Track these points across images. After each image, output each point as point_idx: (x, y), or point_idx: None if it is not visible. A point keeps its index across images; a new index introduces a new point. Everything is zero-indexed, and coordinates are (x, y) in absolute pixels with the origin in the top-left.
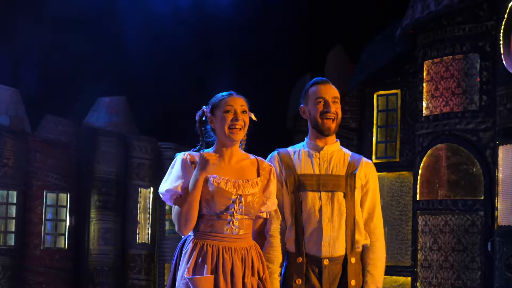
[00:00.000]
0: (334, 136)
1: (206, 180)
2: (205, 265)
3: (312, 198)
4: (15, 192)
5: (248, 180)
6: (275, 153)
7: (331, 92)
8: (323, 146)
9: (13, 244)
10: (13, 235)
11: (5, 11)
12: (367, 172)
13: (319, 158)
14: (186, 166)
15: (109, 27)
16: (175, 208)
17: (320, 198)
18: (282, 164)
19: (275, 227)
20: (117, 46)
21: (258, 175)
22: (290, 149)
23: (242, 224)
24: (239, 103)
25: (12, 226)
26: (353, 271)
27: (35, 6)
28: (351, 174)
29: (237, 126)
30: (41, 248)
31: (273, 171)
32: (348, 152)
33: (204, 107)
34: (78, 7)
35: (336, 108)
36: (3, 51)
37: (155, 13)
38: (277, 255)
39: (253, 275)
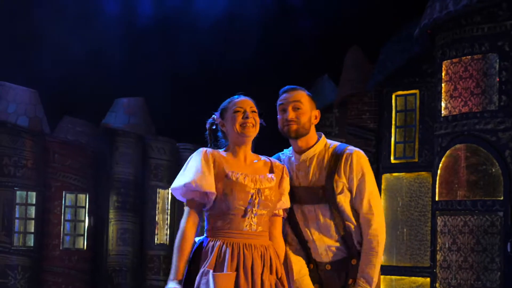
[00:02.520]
0: (312, 136)
1: (224, 175)
2: (226, 263)
3: (299, 211)
4: (34, 193)
5: (264, 176)
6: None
7: (288, 98)
8: (300, 154)
9: (32, 244)
10: (32, 235)
11: (24, 13)
12: (349, 166)
13: (298, 170)
14: (206, 160)
15: (128, 28)
16: (185, 213)
17: (304, 211)
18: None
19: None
20: (135, 47)
21: (272, 172)
22: (282, 155)
23: (260, 220)
24: (248, 103)
25: (31, 227)
26: (352, 271)
27: (54, 7)
28: (329, 182)
29: (248, 124)
30: (60, 248)
31: (285, 169)
32: (331, 146)
33: (214, 113)
34: (97, 9)
35: (297, 114)
36: (22, 53)
37: (173, 13)
38: (302, 254)
39: (271, 273)
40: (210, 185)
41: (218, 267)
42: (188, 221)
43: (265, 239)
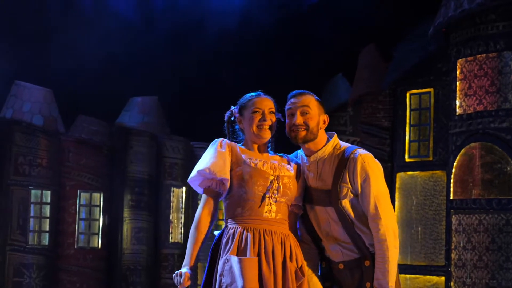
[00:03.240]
0: (321, 139)
1: (242, 163)
2: (248, 248)
3: (311, 211)
4: (49, 192)
5: (283, 164)
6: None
7: (299, 103)
8: (309, 155)
9: (47, 243)
10: (47, 234)
11: (38, 12)
12: (350, 171)
13: (309, 171)
14: (219, 149)
15: (141, 27)
16: (201, 201)
17: (315, 211)
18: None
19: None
20: (149, 45)
21: (291, 166)
22: (301, 153)
23: (280, 207)
24: (267, 103)
25: (46, 226)
26: (367, 273)
27: (68, 7)
28: (335, 186)
29: (264, 126)
30: (75, 247)
31: (300, 168)
32: (341, 148)
33: (233, 107)
34: (109, 8)
35: (305, 119)
36: (37, 52)
37: (187, 13)
38: (313, 252)
39: (291, 261)
40: (224, 172)
41: (240, 253)
42: (203, 210)
43: (285, 227)
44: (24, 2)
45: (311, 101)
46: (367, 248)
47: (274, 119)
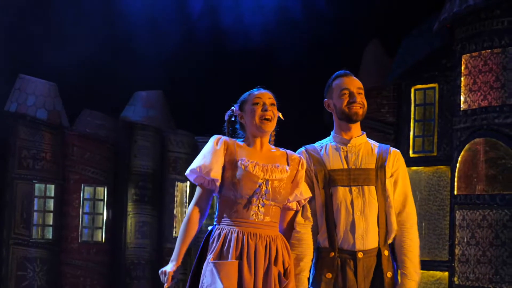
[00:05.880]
0: (359, 128)
1: (235, 163)
2: (230, 251)
3: (343, 193)
4: (53, 186)
5: (277, 166)
6: (302, 149)
7: (355, 83)
8: (349, 139)
9: (50, 237)
10: (50, 228)
11: (42, 6)
12: (395, 161)
13: (347, 152)
14: (214, 147)
15: (146, 21)
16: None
17: (351, 192)
18: (311, 160)
19: (304, 224)
20: (154, 39)
21: (288, 164)
22: (316, 144)
23: (268, 210)
24: (267, 96)
25: (50, 220)
26: (387, 263)
27: (73, 1)
28: (380, 166)
29: (267, 117)
30: (79, 241)
31: (302, 162)
32: (375, 143)
33: (233, 106)
34: (115, 3)
35: (361, 99)
36: (41, 46)
37: (192, 5)
38: (308, 252)
39: (275, 264)
40: (214, 172)
41: (223, 255)
42: (195, 206)
43: (273, 229)
44: None
45: (361, 83)
46: (389, 234)
47: (275, 111)
